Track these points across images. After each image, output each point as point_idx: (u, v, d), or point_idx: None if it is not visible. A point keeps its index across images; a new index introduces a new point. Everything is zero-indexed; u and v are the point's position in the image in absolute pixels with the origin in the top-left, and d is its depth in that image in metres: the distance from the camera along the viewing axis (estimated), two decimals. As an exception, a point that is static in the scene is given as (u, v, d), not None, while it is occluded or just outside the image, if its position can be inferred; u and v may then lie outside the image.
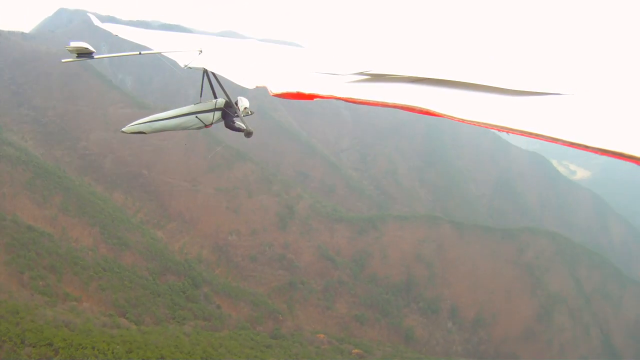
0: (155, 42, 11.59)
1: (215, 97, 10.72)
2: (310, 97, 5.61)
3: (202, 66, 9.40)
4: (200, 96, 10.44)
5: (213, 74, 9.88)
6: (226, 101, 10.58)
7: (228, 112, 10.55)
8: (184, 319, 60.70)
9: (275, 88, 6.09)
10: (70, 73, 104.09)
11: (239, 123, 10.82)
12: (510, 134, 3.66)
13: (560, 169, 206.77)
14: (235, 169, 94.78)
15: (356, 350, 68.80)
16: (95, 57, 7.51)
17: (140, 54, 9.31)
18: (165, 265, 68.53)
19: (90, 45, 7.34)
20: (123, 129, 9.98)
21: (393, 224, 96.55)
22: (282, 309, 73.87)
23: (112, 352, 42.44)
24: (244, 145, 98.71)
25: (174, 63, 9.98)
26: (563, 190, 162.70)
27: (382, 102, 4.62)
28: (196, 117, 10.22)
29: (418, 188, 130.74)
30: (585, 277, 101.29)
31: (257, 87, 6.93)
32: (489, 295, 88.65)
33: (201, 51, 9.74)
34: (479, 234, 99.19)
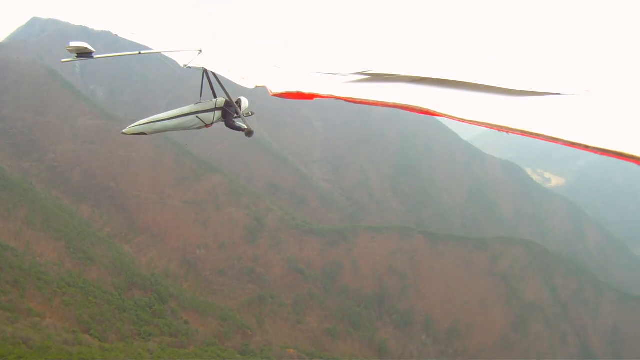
0: (155, 42, 11.89)
1: (215, 97, 11.10)
2: (310, 96, 5.93)
3: (201, 66, 9.73)
4: (200, 96, 10.86)
5: (213, 73, 10.19)
6: (226, 100, 10.96)
7: (228, 112, 10.98)
8: (150, 335, 61.31)
9: (275, 88, 6.45)
10: (39, 83, 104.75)
11: (239, 123, 11.26)
12: (510, 133, 3.83)
13: (535, 177, 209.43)
14: (203, 181, 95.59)
15: None
16: (95, 57, 7.78)
17: (140, 53, 9.73)
18: (131, 280, 68.89)
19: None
20: (124, 131, 10.45)
21: (364, 236, 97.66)
22: (252, 324, 74.54)
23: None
24: (213, 157, 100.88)
25: (174, 63, 10.36)
26: (537, 198, 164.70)
27: (382, 102, 4.85)
28: (197, 117, 10.66)
29: (390, 199, 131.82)
30: (561, 285, 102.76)
31: (256, 86, 7.32)
32: (463, 305, 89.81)
33: (201, 51, 10.04)
34: (452, 244, 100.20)
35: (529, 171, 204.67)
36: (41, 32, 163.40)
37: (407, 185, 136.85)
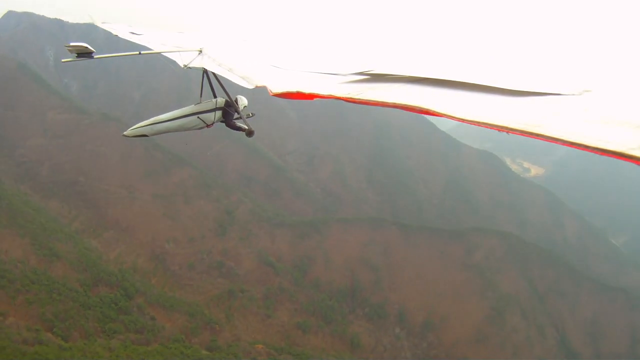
0: (155, 42, 12.36)
1: (215, 97, 11.49)
2: (310, 96, 6.05)
3: (201, 66, 10.04)
4: (201, 96, 11.22)
5: (213, 73, 10.42)
6: (226, 100, 11.36)
7: (229, 112, 11.41)
8: (114, 333, 62.78)
9: (275, 87, 6.59)
10: (8, 78, 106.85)
11: (239, 123, 11.67)
12: (510, 133, 3.94)
13: (514, 167, 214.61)
14: (172, 174, 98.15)
15: None
16: (95, 57, 8.08)
17: (140, 53, 10.05)
18: (97, 276, 70.38)
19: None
20: (125, 133, 10.68)
21: (336, 227, 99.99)
22: (220, 319, 75.94)
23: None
24: (184, 150, 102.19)
25: (174, 63, 10.89)
26: (515, 188, 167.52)
27: (382, 102, 4.97)
28: (198, 117, 11.09)
29: (366, 189, 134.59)
30: (538, 277, 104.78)
31: (257, 86, 7.52)
32: (437, 298, 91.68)
33: (201, 51, 10.41)
34: (426, 235, 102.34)
35: (508, 161, 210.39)
36: (16, 25, 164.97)
37: (382, 175, 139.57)
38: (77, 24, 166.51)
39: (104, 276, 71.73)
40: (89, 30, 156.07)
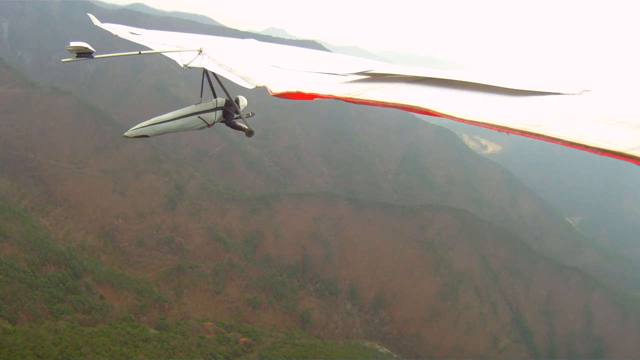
0: (155, 42, 12.59)
1: (215, 97, 11.83)
2: (310, 96, 6.36)
3: (201, 66, 10.28)
4: (201, 96, 11.58)
5: (213, 73, 10.70)
6: (227, 100, 11.72)
7: (229, 111, 11.78)
8: (62, 313, 64.87)
9: (275, 87, 6.90)
10: None
11: (239, 122, 12.08)
12: (510, 134, 4.13)
13: (471, 143, 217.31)
14: (122, 149, 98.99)
15: (244, 339, 73.94)
16: (95, 56, 8.26)
17: (140, 53, 10.18)
18: (45, 255, 72.24)
19: None
20: (125, 134, 10.96)
21: (287, 202, 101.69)
22: (170, 296, 78.55)
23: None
24: (133, 123, 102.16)
25: (174, 63, 11.07)
26: (472, 165, 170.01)
27: (382, 102, 5.22)
28: (199, 117, 11.39)
29: (320, 164, 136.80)
30: (492, 254, 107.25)
31: (257, 86, 7.77)
32: (389, 274, 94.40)
33: (201, 51, 10.70)
34: (379, 211, 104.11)
35: (465, 138, 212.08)
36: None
37: (338, 150, 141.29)
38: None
39: (52, 255, 73.48)
40: (44, 1, 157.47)
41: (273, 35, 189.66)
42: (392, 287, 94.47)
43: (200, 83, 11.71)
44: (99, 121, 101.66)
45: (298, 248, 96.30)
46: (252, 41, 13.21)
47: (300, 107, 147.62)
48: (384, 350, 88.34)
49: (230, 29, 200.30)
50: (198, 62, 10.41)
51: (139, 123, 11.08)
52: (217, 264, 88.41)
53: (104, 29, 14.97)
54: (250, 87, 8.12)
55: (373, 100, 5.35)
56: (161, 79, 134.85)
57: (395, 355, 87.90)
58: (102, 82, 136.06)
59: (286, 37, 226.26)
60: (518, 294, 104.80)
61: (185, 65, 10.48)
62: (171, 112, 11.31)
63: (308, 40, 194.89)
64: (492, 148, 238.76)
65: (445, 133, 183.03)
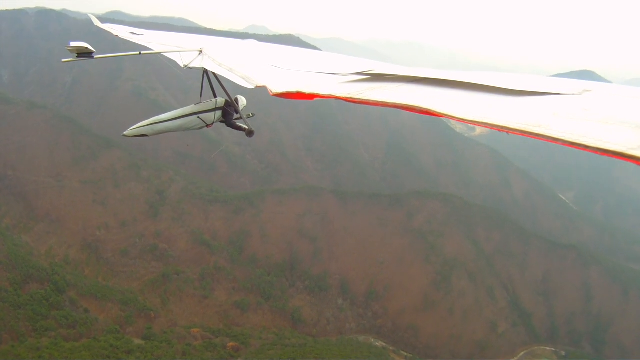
0: (155, 42, 12.77)
1: (215, 97, 11.91)
2: (311, 96, 6.49)
3: (201, 66, 10.39)
4: (201, 96, 11.64)
5: (213, 73, 10.75)
6: (226, 100, 11.85)
7: (228, 112, 11.91)
8: (46, 330, 65.18)
9: (275, 87, 7.04)
10: None
11: (239, 122, 12.23)
12: (510, 133, 4.17)
13: (458, 126, 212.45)
14: (100, 159, 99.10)
15: (231, 344, 73.65)
16: (95, 57, 8.23)
17: (140, 54, 10.21)
18: (27, 272, 72.38)
19: None
20: (125, 133, 10.84)
21: (272, 200, 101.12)
22: (156, 305, 78.53)
23: None
24: (112, 131, 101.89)
25: (174, 63, 11.24)
26: (459, 148, 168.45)
27: (382, 102, 5.34)
28: (198, 117, 11.48)
29: (304, 158, 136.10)
30: (484, 238, 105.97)
31: (257, 86, 7.87)
32: (379, 266, 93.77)
33: (201, 51, 10.78)
34: (364, 202, 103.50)
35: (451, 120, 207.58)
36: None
37: (322, 142, 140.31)
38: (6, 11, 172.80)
39: (34, 272, 73.73)
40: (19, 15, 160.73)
41: (250, 33, 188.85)
42: (383, 279, 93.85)
43: (200, 83, 11.82)
44: (75, 132, 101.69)
45: (285, 246, 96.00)
46: (252, 42, 13.35)
47: (279, 102, 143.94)
48: (379, 343, 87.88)
49: (206, 28, 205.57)
50: (198, 63, 10.52)
51: (136, 124, 11.03)
52: (203, 268, 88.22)
53: (104, 29, 15.36)
54: (251, 87, 8.23)
55: (373, 100, 5.48)
56: (138, 84, 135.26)
57: (391, 348, 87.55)
58: (81, 92, 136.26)
59: (267, 34, 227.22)
60: (514, 277, 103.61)
61: (186, 66, 10.62)
62: (170, 112, 11.37)
63: (286, 35, 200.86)
64: (479, 129, 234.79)
65: (429, 117, 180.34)
